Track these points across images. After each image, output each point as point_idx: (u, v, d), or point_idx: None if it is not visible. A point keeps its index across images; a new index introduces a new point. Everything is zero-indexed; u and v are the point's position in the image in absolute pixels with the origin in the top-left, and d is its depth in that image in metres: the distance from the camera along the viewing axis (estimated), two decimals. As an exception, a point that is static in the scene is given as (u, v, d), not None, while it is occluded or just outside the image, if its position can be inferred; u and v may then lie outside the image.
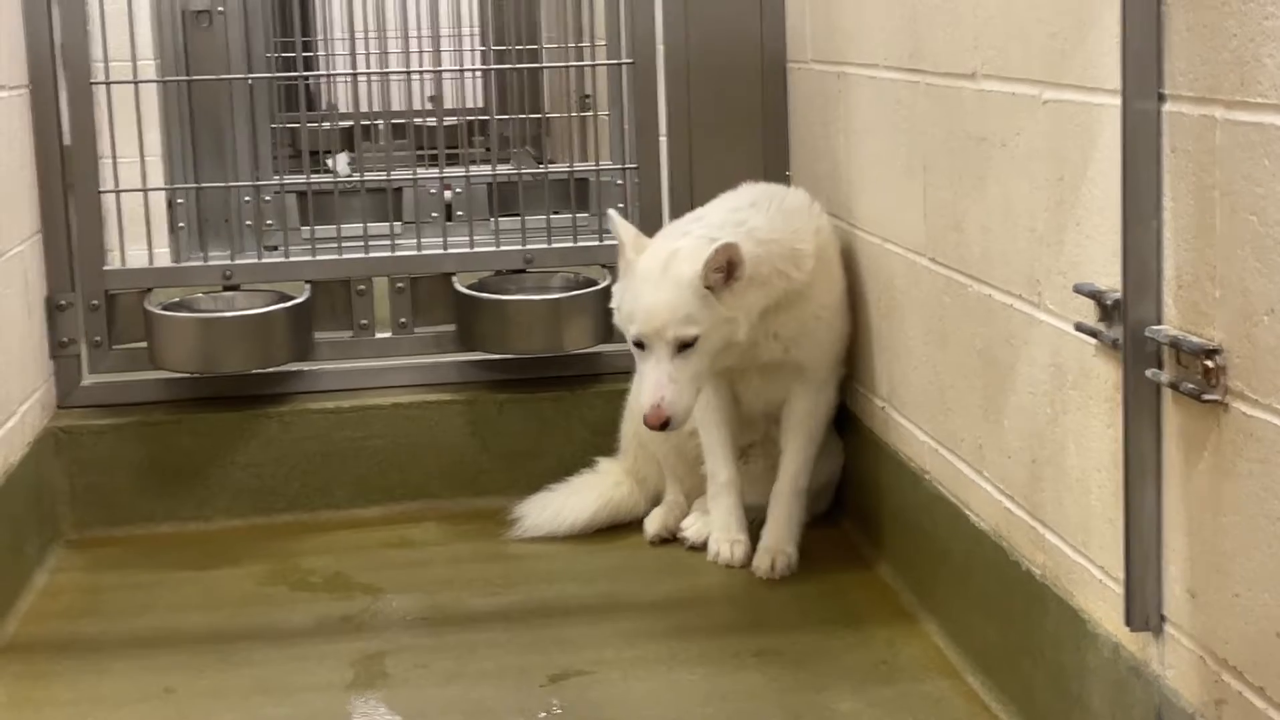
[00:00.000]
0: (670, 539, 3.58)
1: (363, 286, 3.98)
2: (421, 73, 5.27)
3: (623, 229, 3.23)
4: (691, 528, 3.55)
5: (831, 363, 3.45)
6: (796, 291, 3.29)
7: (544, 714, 2.78)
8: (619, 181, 4.55)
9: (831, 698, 2.80)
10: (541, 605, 3.29)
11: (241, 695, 2.89)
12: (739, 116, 4.03)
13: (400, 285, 3.99)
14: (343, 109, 6.46)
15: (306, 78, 6.38)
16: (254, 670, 3.00)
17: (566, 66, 5.35)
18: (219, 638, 3.17)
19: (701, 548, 3.49)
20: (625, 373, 3.72)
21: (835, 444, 3.58)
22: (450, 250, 4.04)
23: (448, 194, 4.85)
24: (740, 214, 3.28)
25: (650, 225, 4.02)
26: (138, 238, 3.94)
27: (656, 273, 3.13)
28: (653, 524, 3.61)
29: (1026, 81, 2.48)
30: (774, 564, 3.34)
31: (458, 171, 4.55)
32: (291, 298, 3.90)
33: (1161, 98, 2.03)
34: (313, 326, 3.95)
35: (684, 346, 3.12)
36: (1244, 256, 1.87)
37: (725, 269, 3.11)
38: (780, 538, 3.37)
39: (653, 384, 3.12)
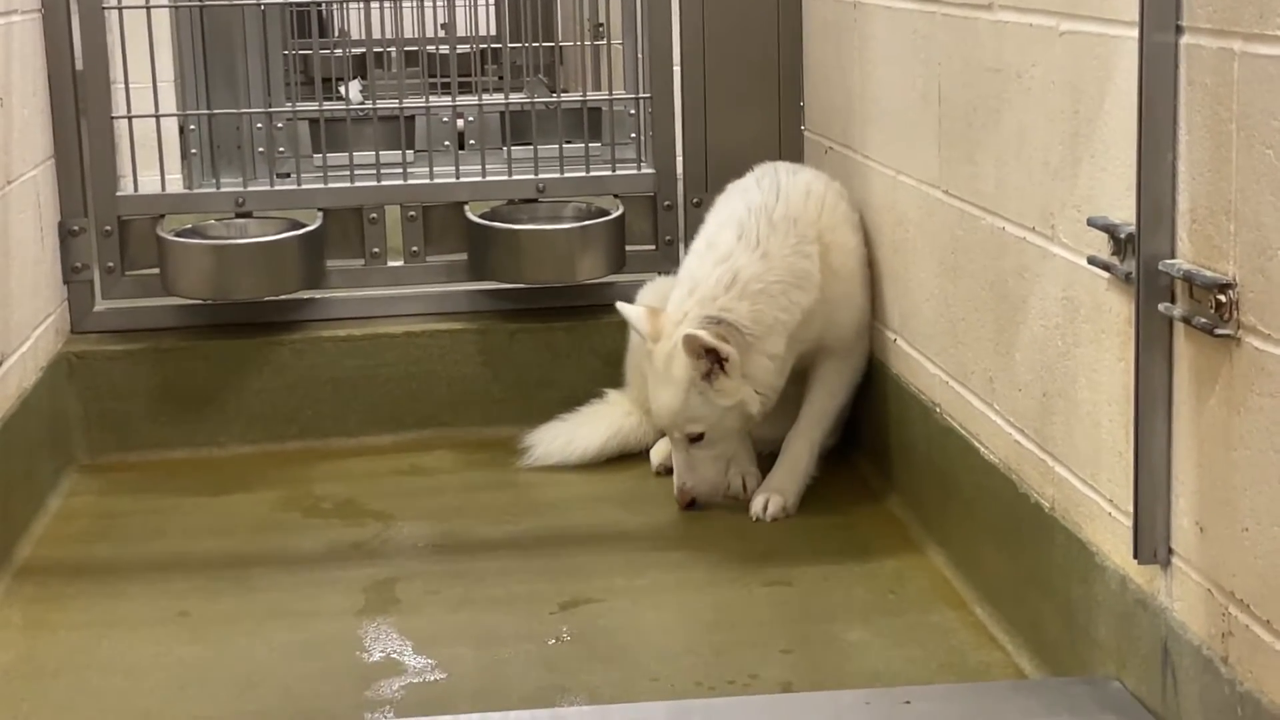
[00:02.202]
0: (676, 468, 3.60)
1: (375, 215, 3.98)
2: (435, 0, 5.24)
3: (636, 319, 3.22)
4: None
5: (857, 332, 3.44)
6: (810, 308, 3.27)
7: (553, 640, 2.80)
8: (632, 111, 4.54)
9: (840, 628, 2.82)
10: (551, 533, 3.32)
11: (255, 619, 2.91)
12: (754, 46, 4.01)
13: (412, 214, 3.98)
14: (355, 36, 6.43)
15: (319, 4, 6.35)
16: (267, 595, 3.02)
17: (580, -6, 5.31)
18: (233, 563, 3.19)
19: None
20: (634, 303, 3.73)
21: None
22: (462, 179, 4.03)
23: (460, 122, 4.84)
24: (730, 263, 3.19)
25: (663, 157, 4.03)
26: (150, 164, 3.93)
27: (662, 370, 3.18)
28: (657, 454, 3.62)
29: (1044, 13, 2.46)
30: (766, 505, 3.31)
31: (470, 100, 4.53)
32: (304, 225, 3.90)
33: (1179, 30, 2.01)
34: (325, 254, 3.95)
35: (695, 439, 3.21)
36: (1259, 191, 1.86)
37: (706, 357, 3.11)
38: (782, 482, 3.36)
39: (677, 470, 3.29)
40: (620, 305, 3.28)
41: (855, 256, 3.42)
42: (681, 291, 3.23)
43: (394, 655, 2.76)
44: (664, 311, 3.22)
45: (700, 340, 3.09)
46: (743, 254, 3.21)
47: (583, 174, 4.06)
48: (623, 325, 3.77)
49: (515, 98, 4.61)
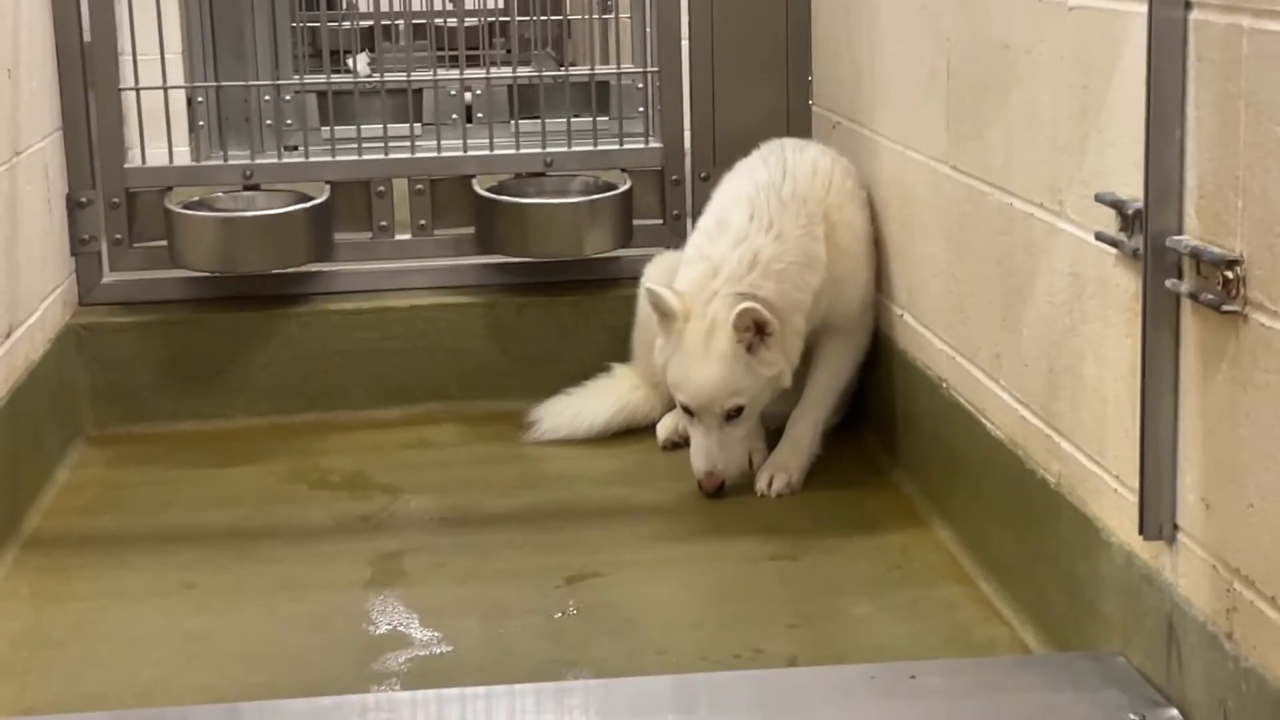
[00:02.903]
0: (682, 444, 3.58)
1: (382, 188, 3.97)
2: (443, -27, 5.23)
3: (668, 298, 3.16)
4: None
5: (861, 309, 3.43)
6: (819, 288, 3.27)
7: (560, 614, 2.81)
8: (640, 85, 4.53)
9: (845, 602, 2.82)
10: (558, 507, 3.32)
11: (261, 592, 2.92)
12: (762, 21, 4.00)
13: (420, 187, 3.98)
14: (363, 8, 6.42)
15: (327, -23, 6.33)
16: (274, 567, 3.03)
17: (588, -32, 5.30)
18: (239, 535, 3.20)
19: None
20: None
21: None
22: (470, 153, 4.03)
23: (468, 96, 4.82)
24: (748, 244, 3.19)
25: (671, 132, 4.02)
26: (158, 136, 3.93)
27: (701, 346, 3.14)
28: (664, 429, 3.62)
29: (1053, -12, 2.46)
30: (771, 481, 3.31)
31: (478, 73, 4.52)
32: (311, 198, 3.90)
33: (1188, 5, 2.01)
34: (332, 227, 3.95)
35: (732, 415, 3.19)
36: (1267, 167, 1.86)
37: (754, 329, 3.12)
38: (787, 459, 3.35)
39: (704, 453, 3.23)
40: (651, 286, 3.22)
41: (861, 234, 3.42)
42: (698, 271, 3.21)
43: (400, 628, 2.77)
44: (686, 292, 3.20)
45: (757, 312, 3.10)
46: (758, 235, 3.21)
47: (590, 148, 4.05)
48: (630, 300, 3.78)
49: (523, 71, 4.60)
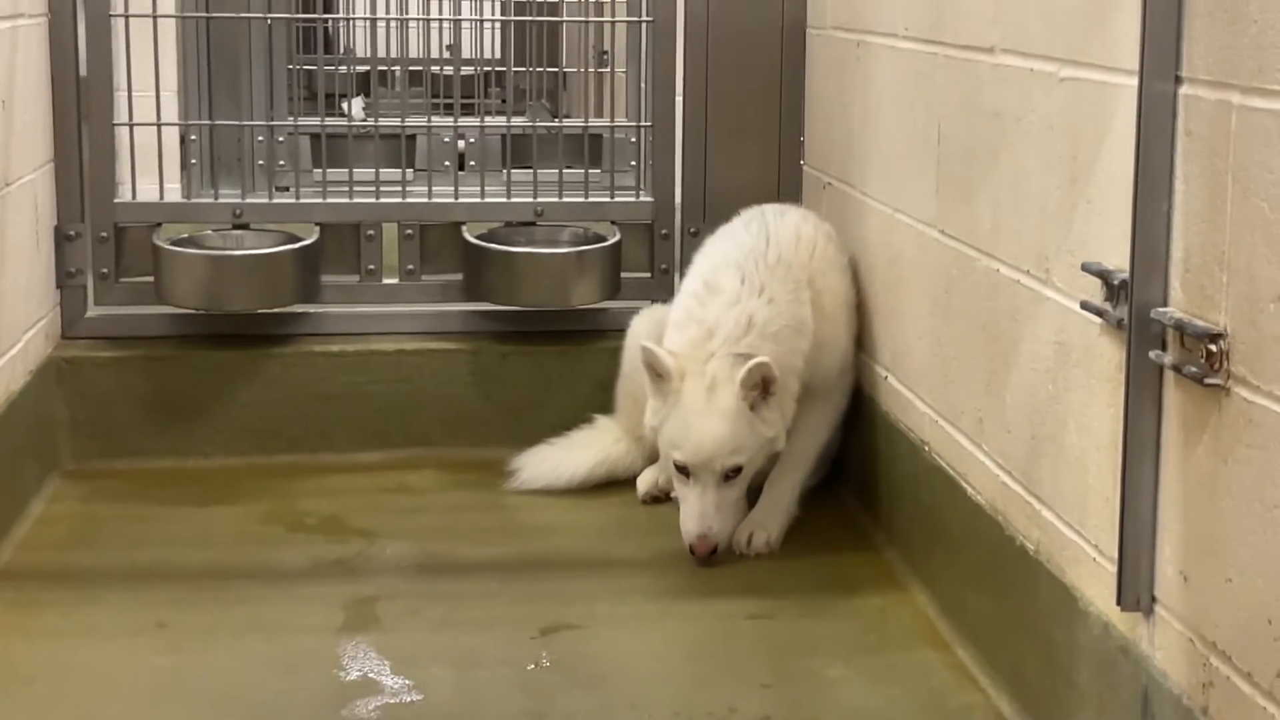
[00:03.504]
0: (662, 498, 3.58)
1: (372, 231, 3.98)
2: (440, 20, 5.25)
3: (664, 357, 3.14)
4: (684, 489, 3.55)
5: (840, 372, 3.44)
6: (806, 352, 3.28)
7: (533, 665, 2.79)
8: (633, 139, 4.54)
9: (821, 663, 2.81)
10: (535, 557, 3.31)
11: (233, 633, 2.90)
12: (756, 80, 4.02)
13: (409, 232, 3.98)
14: (360, 53, 6.44)
15: (325, 20, 6.36)
16: (247, 608, 3.01)
17: (586, 22, 5.32)
18: (213, 574, 3.18)
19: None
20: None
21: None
22: (461, 200, 4.04)
23: (461, 143, 4.84)
24: (742, 307, 3.19)
25: (662, 186, 4.03)
26: (149, 172, 3.93)
27: (702, 403, 3.12)
28: (644, 483, 3.61)
29: (1045, 58, 2.47)
30: (750, 539, 3.29)
31: (472, 121, 4.53)
32: (300, 239, 3.90)
33: (1179, 80, 2.02)
34: (320, 269, 3.95)
35: (730, 475, 3.16)
36: (1253, 242, 1.87)
37: (761, 386, 3.12)
38: (766, 517, 3.33)
39: (699, 514, 3.17)
40: (646, 344, 3.18)
41: (842, 300, 3.43)
42: (691, 333, 3.19)
43: (371, 674, 2.75)
44: (680, 352, 3.18)
45: (768, 368, 3.09)
46: (750, 298, 3.21)
47: (581, 199, 4.06)
48: (615, 352, 3.78)
49: (517, 121, 4.61)
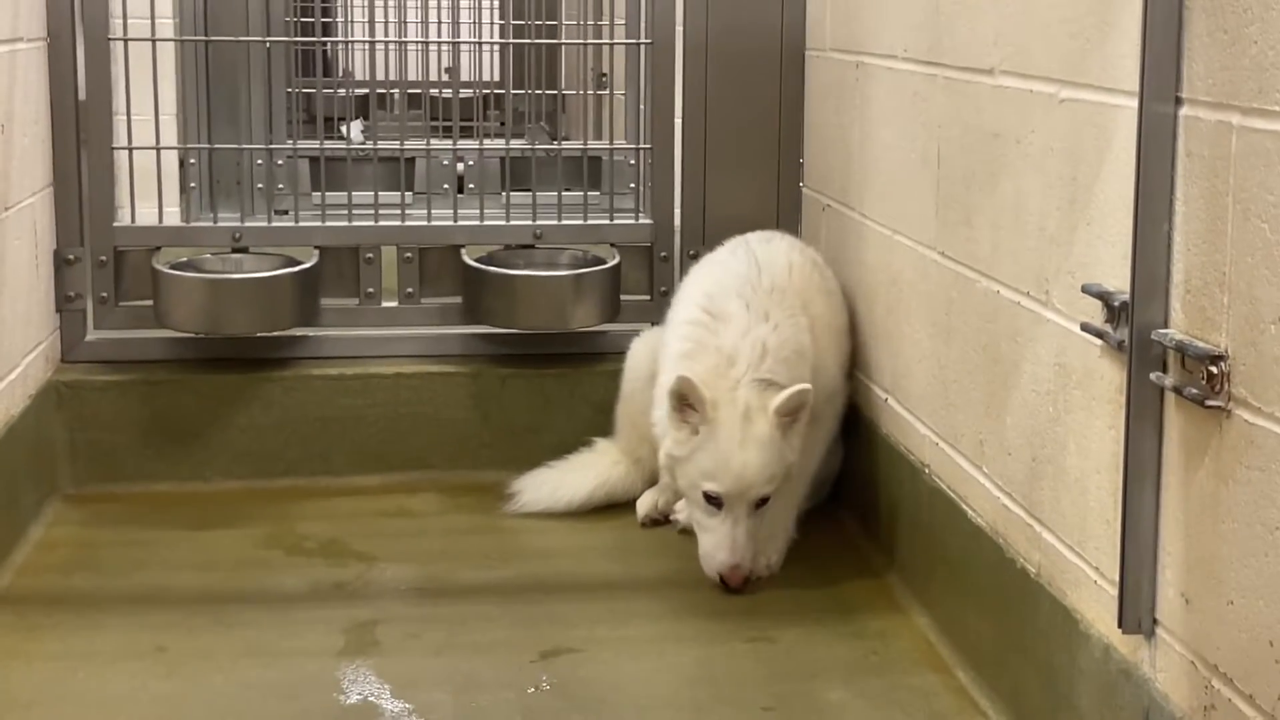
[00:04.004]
0: (662, 521, 3.58)
1: (371, 255, 3.98)
2: (439, 43, 5.26)
3: (701, 388, 3.09)
4: (684, 512, 3.53)
5: (829, 396, 3.42)
6: (809, 379, 3.26)
7: (533, 689, 2.78)
8: (632, 162, 4.55)
9: (820, 686, 2.80)
10: (535, 581, 3.30)
11: (232, 657, 2.89)
12: (755, 102, 4.02)
13: (409, 255, 3.98)
14: (359, 77, 6.45)
15: (324, 43, 6.37)
16: (246, 632, 3.00)
17: (584, 44, 5.33)
18: (213, 599, 3.17)
19: (694, 532, 3.48)
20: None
21: (836, 439, 3.57)
22: (460, 223, 4.04)
23: (460, 166, 4.85)
24: (754, 334, 3.18)
25: (661, 208, 4.04)
26: (148, 196, 3.93)
27: (738, 432, 3.09)
28: (644, 506, 3.61)
29: (1044, 80, 2.47)
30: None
31: (471, 144, 4.54)
32: (299, 262, 3.90)
33: (1179, 101, 2.02)
34: (319, 292, 3.95)
35: (760, 504, 3.14)
36: (1254, 264, 1.87)
37: (794, 413, 3.11)
38: (764, 541, 3.30)
39: (730, 545, 3.13)
40: (684, 373, 3.11)
41: (831, 326, 3.44)
42: (710, 361, 3.16)
43: (371, 698, 2.74)
44: (706, 382, 3.13)
45: (808, 394, 3.09)
46: (758, 325, 3.21)
47: (580, 222, 4.06)
48: (614, 374, 3.78)
49: (516, 143, 4.62)
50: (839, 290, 3.54)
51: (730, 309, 3.25)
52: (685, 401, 3.12)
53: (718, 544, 3.14)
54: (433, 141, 4.73)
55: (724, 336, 3.20)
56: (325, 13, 6.48)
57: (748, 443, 3.10)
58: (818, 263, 3.53)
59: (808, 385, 3.11)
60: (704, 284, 3.39)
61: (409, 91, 4.74)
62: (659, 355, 3.42)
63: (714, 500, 3.13)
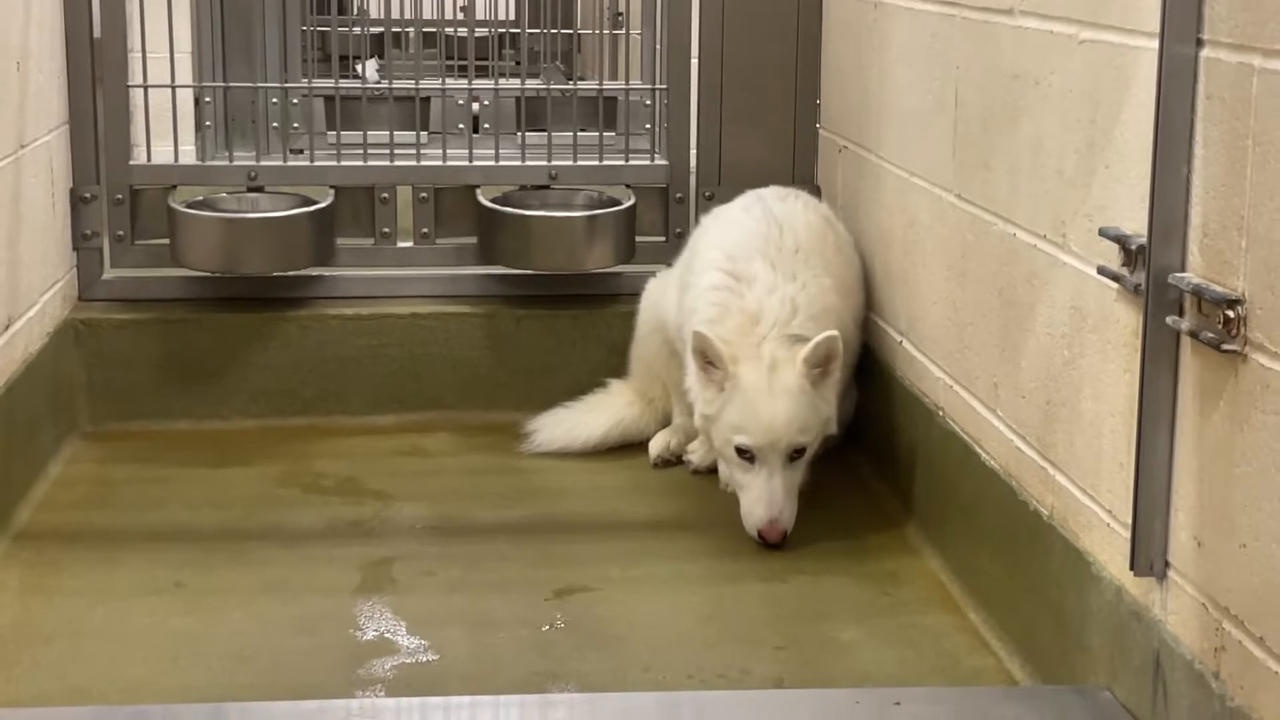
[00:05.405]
0: (674, 461, 3.59)
1: (386, 195, 3.98)
2: (455, -18, 5.24)
3: (716, 343, 3.09)
4: (697, 453, 3.55)
5: (844, 349, 3.41)
6: None
7: (547, 627, 2.81)
8: (648, 102, 4.54)
9: (832, 627, 2.82)
10: (549, 520, 3.32)
11: (250, 593, 2.92)
12: (773, 42, 4.00)
13: (424, 195, 3.98)
14: (374, 15, 6.42)
15: (339, -18, 6.33)
16: (263, 569, 3.03)
17: (600, -17, 5.30)
18: (230, 535, 3.20)
19: (706, 472, 3.50)
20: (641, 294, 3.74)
21: (849, 385, 3.57)
22: (475, 163, 4.04)
23: (475, 106, 4.83)
24: (782, 292, 3.18)
25: (677, 149, 4.03)
26: (164, 134, 3.94)
27: (765, 384, 3.08)
28: (656, 446, 3.62)
29: (1065, 20, 2.46)
30: None
31: (486, 84, 4.53)
32: (315, 202, 3.90)
33: (1200, 43, 2.01)
34: (335, 232, 3.95)
35: (795, 455, 3.12)
36: (1273, 208, 1.86)
37: (823, 364, 3.10)
38: None
39: (768, 499, 3.10)
40: (700, 329, 3.11)
41: (845, 282, 3.43)
42: (735, 321, 3.16)
43: (387, 635, 2.77)
44: (730, 340, 3.12)
45: (834, 342, 3.07)
46: (787, 284, 3.21)
47: (595, 163, 4.06)
48: (629, 315, 3.79)
49: (531, 83, 4.60)
50: (851, 244, 3.53)
51: (755, 270, 3.24)
52: (708, 360, 3.12)
53: (755, 499, 3.11)
54: (448, 81, 4.72)
55: (749, 298, 3.20)
56: (340, -50, 6.44)
57: (775, 393, 3.09)
58: (830, 219, 3.52)
59: (834, 332, 3.10)
60: (724, 245, 3.36)
61: (424, 30, 4.72)
62: (673, 312, 3.41)
63: (746, 455, 3.11)
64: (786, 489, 3.12)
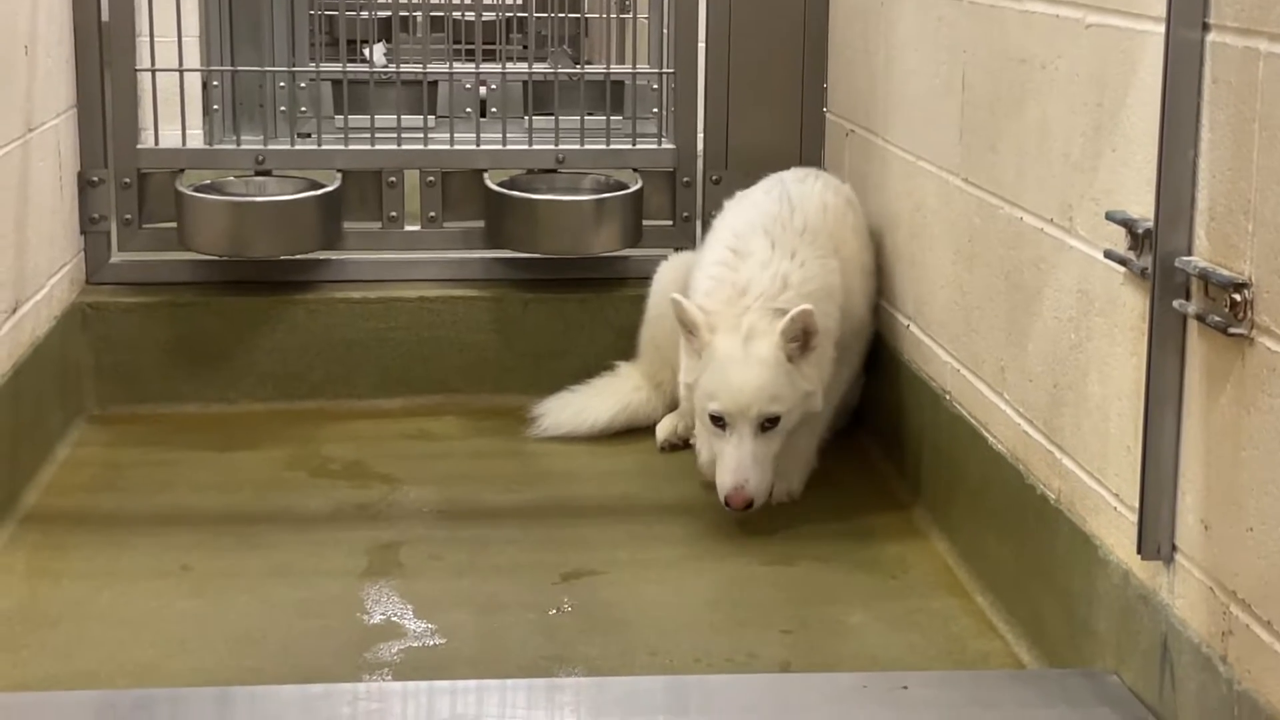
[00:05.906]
0: (681, 445, 3.59)
1: (394, 178, 3.98)
2: (462, -34, 5.23)
3: (691, 309, 3.11)
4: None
5: (855, 334, 3.42)
6: (838, 319, 3.26)
7: (554, 611, 2.81)
8: (655, 86, 4.53)
9: (840, 610, 2.82)
10: (557, 504, 3.32)
11: (257, 576, 2.92)
12: (780, 26, 3.99)
13: (431, 179, 3.98)
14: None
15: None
16: (270, 553, 3.03)
17: (608, -33, 5.29)
18: (237, 519, 3.20)
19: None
20: (650, 278, 3.73)
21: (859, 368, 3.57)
22: (483, 147, 4.03)
23: (483, 90, 4.83)
24: (775, 268, 3.18)
25: (684, 133, 4.02)
26: (172, 118, 3.93)
27: (739, 352, 3.08)
28: (664, 430, 3.62)
29: (1071, 4, 2.45)
30: (771, 490, 3.24)
31: (494, 68, 4.53)
32: (322, 186, 3.90)
33: (1206, 27, 2.01)
34: (342, 216, 3.95)
35: (767, 425, 3.10)
36: (1279, 191, 1.86)
37: (801, 338, 3.09)
38: (786, 467, 3.29)
39: (735, 465, 3.07)
40: (675, 296, 3.15)
41: (861, 267, 3.42)
42: (724, 293, 3.16)
43: (394, 618, 2.77)
44: (712, 309, 3.14)
45: (810, 316, 3.07)
46: (783, 260, 3.20)
47: (603, 146, 4.05)
48: (637, 299, 3.78)
49: (539, 67, 4.60)
50: (869, 228, 3.52)
51: (754, 246, 3.24)
52: (687, 327, 3.14)
53: (722, 466, 3.10)
54: (455, 65, 4.71)
55: (741, 272, 3.20)
56: (348, -66, 6.43)
57: (749, 361, 3.08)
58: (852, 201, 3.51)
59: (809, 306, 3.08)
60: (735, 225, 3.37)
61: (432, 14, 4.72)
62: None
63: (720, 422, 3.11)
64: (756, 458, 3.08)
